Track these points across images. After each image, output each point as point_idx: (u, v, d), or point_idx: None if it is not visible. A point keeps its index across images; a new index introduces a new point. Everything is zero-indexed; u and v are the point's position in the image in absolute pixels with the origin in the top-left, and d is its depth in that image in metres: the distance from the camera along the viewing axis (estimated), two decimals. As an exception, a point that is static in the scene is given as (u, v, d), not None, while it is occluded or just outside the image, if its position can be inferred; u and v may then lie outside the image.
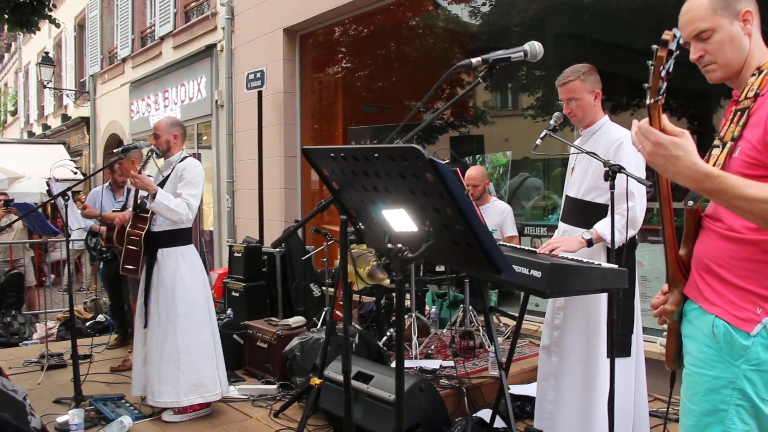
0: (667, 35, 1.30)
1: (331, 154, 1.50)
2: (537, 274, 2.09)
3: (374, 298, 4.55)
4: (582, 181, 2.82)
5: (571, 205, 2.89)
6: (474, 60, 1.62)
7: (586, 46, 7.00)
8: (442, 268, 4.36)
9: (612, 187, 2.36)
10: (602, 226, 2.65)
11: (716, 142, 1.57)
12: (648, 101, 1.34)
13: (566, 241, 2.66)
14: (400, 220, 1.49)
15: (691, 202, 1.54)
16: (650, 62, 1.30)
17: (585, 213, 2.76)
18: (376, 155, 1.39)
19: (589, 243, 2.65)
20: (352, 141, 8.81)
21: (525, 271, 2.11)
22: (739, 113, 1.53)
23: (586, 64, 2.82)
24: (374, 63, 8.75)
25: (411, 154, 1.30)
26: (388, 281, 4.23)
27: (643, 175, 2.65)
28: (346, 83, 8.37)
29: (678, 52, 1.31)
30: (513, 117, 10.20)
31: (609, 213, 2.48)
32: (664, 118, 1.37)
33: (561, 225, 2.92)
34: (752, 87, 1.53)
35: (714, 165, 1.52)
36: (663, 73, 1.29)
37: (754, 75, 1.55)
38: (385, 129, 9.77)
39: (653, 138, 1.35)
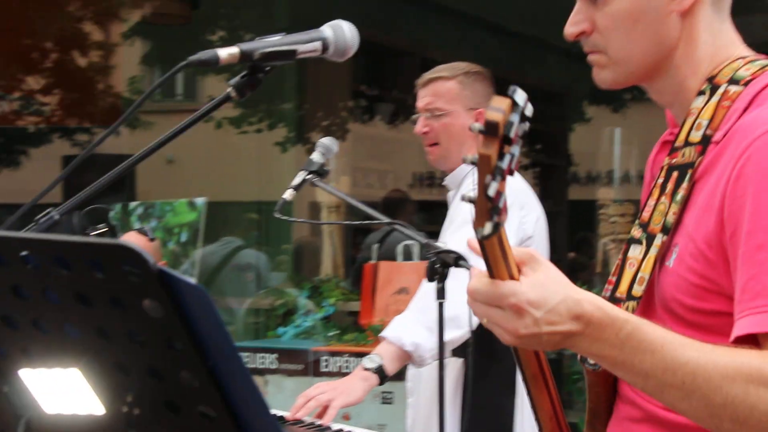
0: (494, 113, 1.23)
1: None
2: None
3: None
4: None
5: None
6: (224, 52, 1.63)
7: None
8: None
9: (440, 288, 2.48)
10: (394, 328, 2.83)
11: (635, 230, 1.61)
12: (478, 235, 1.31)
13: (342, 386, 2.72)
14: (61, 390, 1.41)
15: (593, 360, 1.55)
16: (468, 163, 1.28)
17: None
18: (23, 254, 1.30)
19: (381, 375, 2.75)
20: None
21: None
22: (676, 173, 1.57)
23: (475, 65, 3.17)
24: None
25: (116, 256, 1.24)
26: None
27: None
28: None
29: (524, 129, 1.29)
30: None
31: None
32: (512, 248, 1.35)
33: None
34: (699, 119, 1.56)
35: (633, 282, 1.57)
36: (492, 190, 1.25)
37: (701, 93, 1.59)
38: None
39: (512, 301, 1.33)
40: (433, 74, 3.20)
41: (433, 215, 7.70)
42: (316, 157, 2.89)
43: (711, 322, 1.47)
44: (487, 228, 1.28)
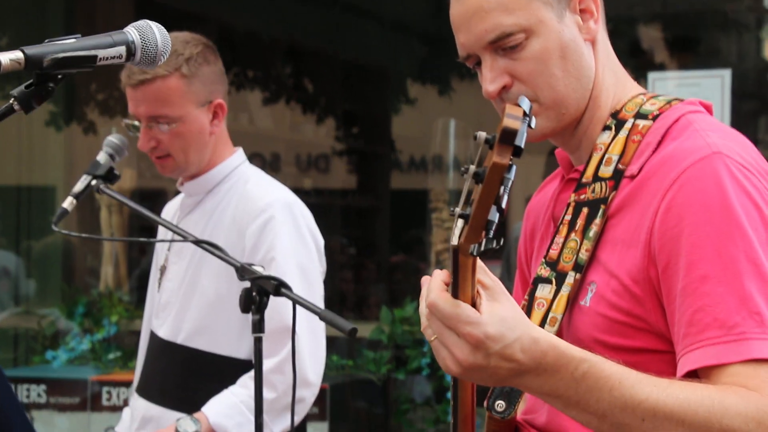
0: (513, 121, 1.34)
1: None
2: None
3: None
4: (187, 303, 2.97)
5: (161, 356, 3.01)
6: (5, 58, 1.59)
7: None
8: None
9: (257, 320, 2.47)
10: (222, 407, 2.79)
11: (542, 269, 1.76)
12: (470, 250, 1.39)
13: None
14: None
15: (501, 403, 1.72)
16: (468, 169, 1.37)
17: (195, 378, 2.90)
18: None
19: None
20: None
21: None
22: (586, 209, 1.73)
23: (196, 37, 2.99)
24: None
25: None
26: None
27: (316, 288, 2.91)
28: None
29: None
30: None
31: (252, 374, 2.57)
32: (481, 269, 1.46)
33: (135, 402, 3.02)
34: (608, 154, 1.74)
35: (543, 323, 1.70)
36: (503, 202, 1.35)
37: (607, 128, 1.78)
38: None
39: (470, 331, 1.41)
40: (146, 73, 2.81)
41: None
42: (102, 158, 2.85)
43: (635, 359, 1.58)
44: (484, 245, 1.38)
